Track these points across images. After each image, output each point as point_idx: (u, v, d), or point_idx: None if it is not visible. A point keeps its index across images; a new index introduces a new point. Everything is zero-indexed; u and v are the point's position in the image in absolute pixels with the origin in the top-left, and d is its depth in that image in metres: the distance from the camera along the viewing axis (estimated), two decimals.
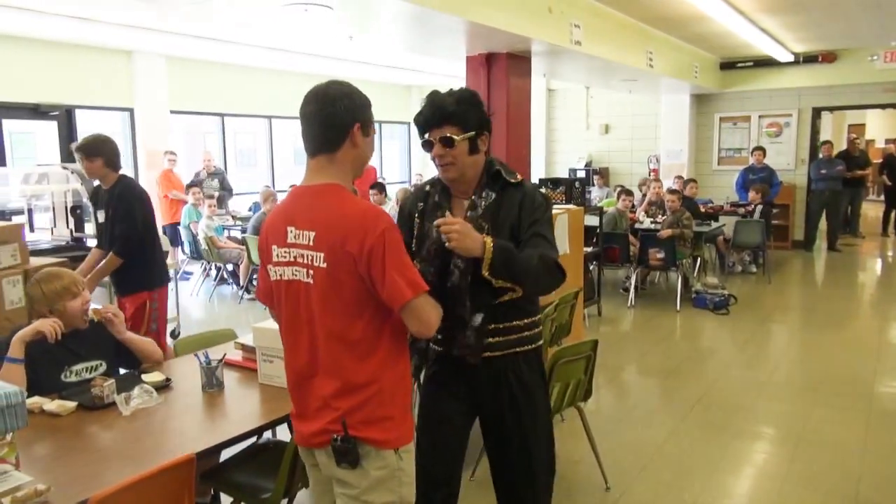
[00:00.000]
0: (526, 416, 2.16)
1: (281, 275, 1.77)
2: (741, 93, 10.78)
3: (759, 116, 10.83)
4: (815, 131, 10.62)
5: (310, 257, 1.71)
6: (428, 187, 2.19)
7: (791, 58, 9.70)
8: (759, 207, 8.67)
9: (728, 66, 10.52)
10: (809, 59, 9.89)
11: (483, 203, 2.08)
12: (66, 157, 8.48)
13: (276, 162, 11.73)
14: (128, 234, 3.85)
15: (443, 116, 2.02)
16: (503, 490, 2.28)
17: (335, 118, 1.72)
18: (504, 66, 6.12)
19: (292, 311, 1.78)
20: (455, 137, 2.01)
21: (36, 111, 8.22)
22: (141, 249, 3.89)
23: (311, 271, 1.71)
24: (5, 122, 8.07)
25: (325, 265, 1.69)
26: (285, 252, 1.75)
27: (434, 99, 2.05)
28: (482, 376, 2.13)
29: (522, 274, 1.98)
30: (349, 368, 1.73)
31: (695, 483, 3.36)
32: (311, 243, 1.70)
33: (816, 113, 10.59)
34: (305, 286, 1.73)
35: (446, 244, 1.89)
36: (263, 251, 1.84)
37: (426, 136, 2.05)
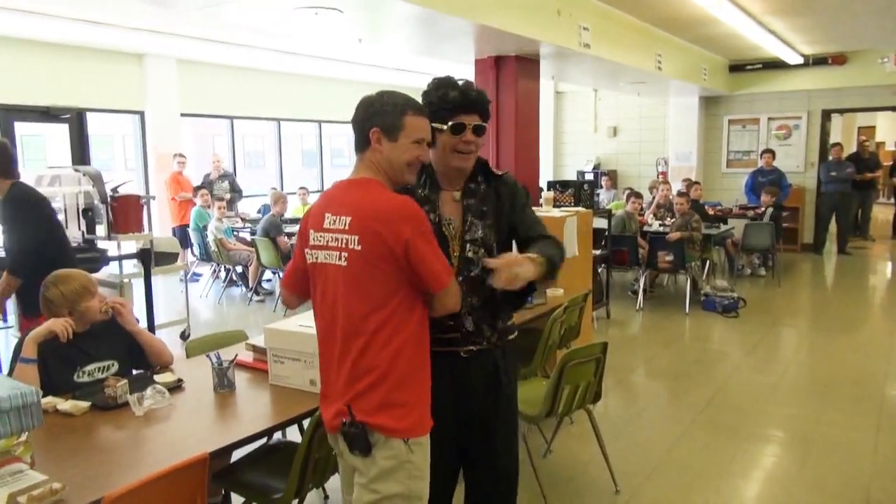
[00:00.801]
0: (511, 404, 2.21)
1: (316, 258, 1.90)
2: (750, 95, 10.74)
3: (769, 119, 10.80)
4: (824, 134, 10.57)
5: (345, 241, 1.82)
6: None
7: (800, 60, 9.66)
8: (769, 210, 8.64)
9: (737, 68, 10.50)
10: (819, 61, 9.85)
11: (480, 190, 2.15)
12: (78, 159, 8.56)
13: (284, 164, 11.78)
14: (21, 248, 3.44)
15: (475, 104, 2.06)
16: (490, 482, 2.20)
17: (356, 123, 1.91)
18: (512, 68, 6.14)
19: (321, 293, 1.90)
20: (485, 126, 2.10)
21: (47, 114, 8.29)
22: (41, 265, 3.08)
23: (344, 254, 1.83)
24: (16, 124, 8.14)
25: (359, 248, 1.80)
26: (321, 236, 1.88)
27: (462, 86, 2.05)
28: (472, 370, 2.09)
29: (558, 272, 2.08)
30: (366, 353, 1.80)
31: (704, 486, 3.35)
32: (346, 227, 1.82)
33: (826, 115, 10.55)
34: (335, 269, 1.84)
35: (496, 284, 1.87)
36: (302, 235, 1.98)
37: (458, 119, 2.02)
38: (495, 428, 2.16)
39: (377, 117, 1.88)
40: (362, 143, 1.91)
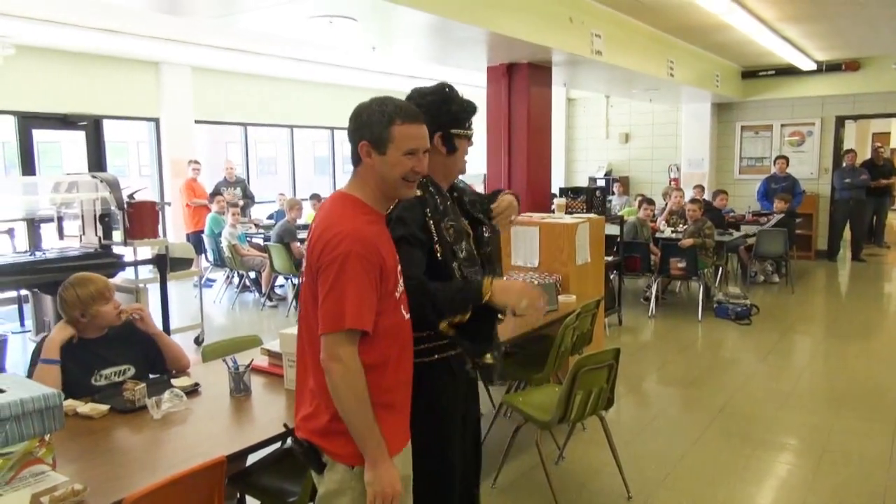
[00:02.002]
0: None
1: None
2: (763, 101, 10.71)
3: (782, 125, 10.75)
4: (838, 140, 10.51)
5: (307, 259, 1.79)
6: (420, 192, 2.01)
7: (814, 66, 9.63)
8: (778, 217, 8.60)
9: (750, 74, 10.47)
10: (832, 67, 9.81)
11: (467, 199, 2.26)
12: (94, 166, 8.66)
13: (297, 171, 11.86)
14: None
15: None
16: (469, 487, 2.33)
17: (349, 135, 1.81)
18: (525, 75, 6.16)
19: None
20: None
21: (64, 121, 8.40)
22: None
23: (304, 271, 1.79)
24: (34, 131, 8.25)
25: (305, 267, 1.77)
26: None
27: (464, 97, 2.14)
28: (473, 381, 2.27)
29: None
30: (312, 378, 1.77)
31: (717, 493, 3.34)
32: (308, 245, 1.78)
33: (840, 122, 10.49)
34: (303, 286, 1.81)
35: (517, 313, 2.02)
36: None
37: (467, 129, 2.12)
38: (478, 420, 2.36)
39: (365, 129, 1.76)
40: (355, 157, 1.80)
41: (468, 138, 2.13)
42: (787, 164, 9.64)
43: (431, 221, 2.04)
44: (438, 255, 2.04)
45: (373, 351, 1.71)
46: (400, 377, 1.82)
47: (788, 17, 7.04)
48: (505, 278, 4.36)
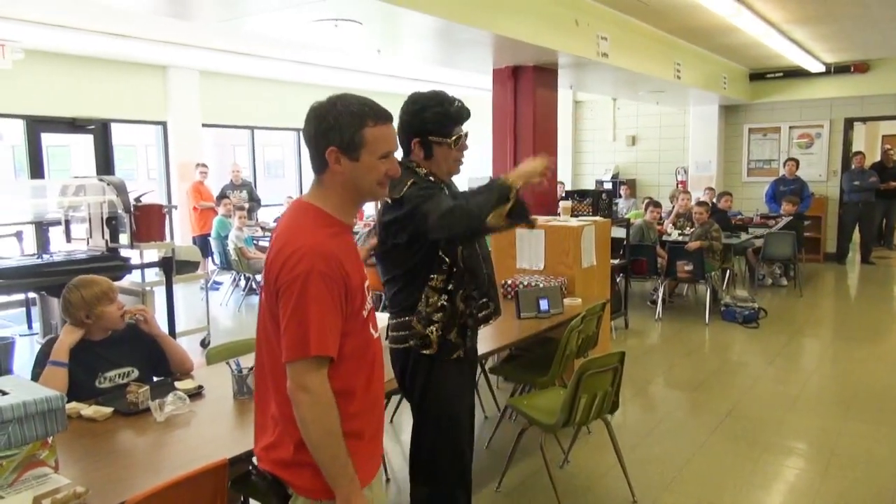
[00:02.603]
0: None
1: None
2: (771, 104, 10.66)
3: (790, 127, 10.70)
4: (847, 142, 10.45)
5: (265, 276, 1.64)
6: (432, 178, 2.33)
7: (822, 68, 9.58)
8: (786, 219, 8.55)
9: (757, 76, 10.42)
10: (841, 69, 9.75)
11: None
12: (102, 169, 8.71)
13: (304, 173, 11.89)
14: None
15: (467, 114, 2.31)
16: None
17: (310, 141, 1.62)
18: (530, 78, 6.16)
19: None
20: None
21: (72, 125, 8.45)
22: None
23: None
24: (43, 135, 8.31)
25: (264, 283, 1.63)
26: None
27: (455, 99, 2.27)
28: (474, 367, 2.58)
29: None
30: (274, 402, 1.63)
31: (723, 498, 3.32)
32: (268, 257, 1.63)
33: (849, 124, 10.43)
34: (261, 304, 1.66)
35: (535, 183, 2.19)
36: None
37: (457, 132, 2.26)
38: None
39: (333, 133, 1.57)
40: (317, 165, 1.62)
41: (448, 146, 2.25)
42: (797, 167, 9.59)
43: None
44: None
45: (338, 376, 1.57)
46: (369, 402, 1.68)
47: (796, 19, 7.01)
48: (510, 280, 4.34)
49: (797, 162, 9.66)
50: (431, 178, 2.30)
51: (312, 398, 1.51)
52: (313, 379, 1.51)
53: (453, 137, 2.21)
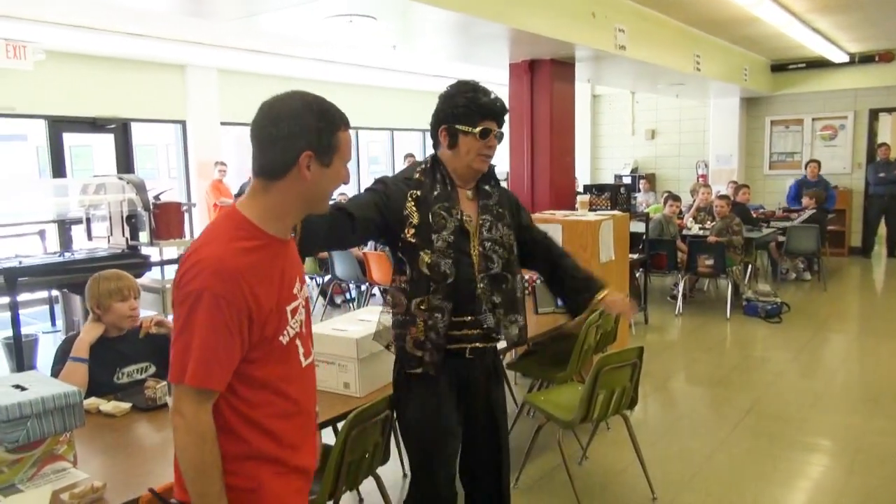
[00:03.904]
0: (504, 392, 2.41)
1: None
2: (794, 95, 10.49)
3: (813, 119, 10.53)
4: (872, 134, 10.26)
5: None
6: (417, 175, 2.16)
7: (846, 58, 9.41)
8: (808, 213, 8.41)
9: (779, 67, 10.26)
10: (865, 59, 9.57)
11: (494, 193, 2.24)
12: (123, 168, 8.81)
13: None
14: None
15: (501, 113, 2.17)
16: (494, 474, 2.35)
17: (275, 141, 1.41)
18: (548, 72, 6.11)
19: None
20: (503, 134, 2.20)
21: (94, 125, 8.55)
22: None
23: None
24: (65, 135, 8.42)
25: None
26: None
27: (490, 93, 2.16)
28: (476, 367, 2.24)
29: None
30: None
31: (745, 495, 3.27)
32: None
33: (874, 115, 10.23)
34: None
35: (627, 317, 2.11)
36: None
37: (485, 125, 2.12)
38: (498, 418, 2.33)
39: (312, 136, 1.41)
40: (275, 171, 1.42)
41: (474, 136, 2.11)
42: (819, 168, 9.41)
43: (412, 201, 2.10)
44: (409, 236, 2.09)
45: (248, 407, 1.43)
46: (297, 438, 1.51)
47: (819, 8, 6.88)
48: (528, 275, 4.32)
49: (819, 163, 9.46)
50: (420, 178, 2.14)
51: (186, 425, 1.36)
52: (188, 407, 1.36)
53: (479, 128, 2.10)
